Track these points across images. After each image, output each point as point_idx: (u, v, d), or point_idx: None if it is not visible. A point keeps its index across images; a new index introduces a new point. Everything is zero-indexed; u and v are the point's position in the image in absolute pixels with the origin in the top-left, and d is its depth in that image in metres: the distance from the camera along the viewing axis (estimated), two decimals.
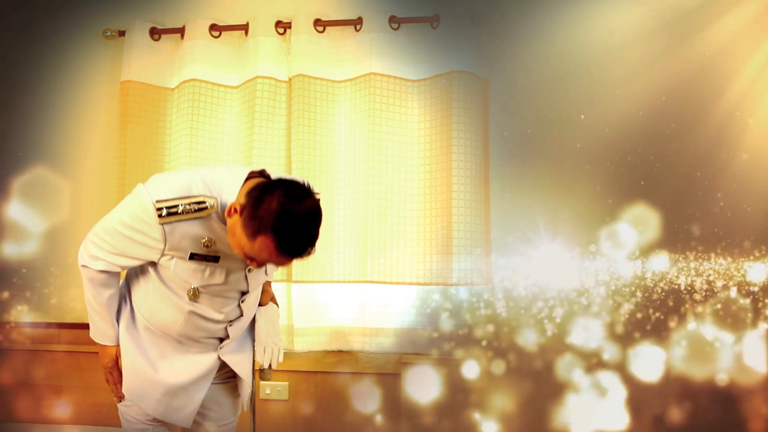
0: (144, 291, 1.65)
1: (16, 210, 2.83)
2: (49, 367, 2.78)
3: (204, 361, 1.68)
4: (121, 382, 1.69)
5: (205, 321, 1.64)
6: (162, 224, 1.44)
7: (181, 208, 1.42)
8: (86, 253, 1.60)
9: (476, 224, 2.56)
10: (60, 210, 2.85)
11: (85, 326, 2.72)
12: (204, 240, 1.49)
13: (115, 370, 1.69)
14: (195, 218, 1.44)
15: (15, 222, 2.83)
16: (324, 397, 2.66)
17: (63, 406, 2.76)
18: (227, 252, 1.53)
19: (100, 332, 1.67)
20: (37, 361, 2.78)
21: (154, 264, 1.58)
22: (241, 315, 1.69)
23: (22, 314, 2.83)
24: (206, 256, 1.51)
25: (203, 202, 1.44)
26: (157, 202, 1.43)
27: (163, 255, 1.51)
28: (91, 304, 1.64)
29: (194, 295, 1.58)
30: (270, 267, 1.74)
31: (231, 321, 1.68)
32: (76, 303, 2.81)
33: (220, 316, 1.64)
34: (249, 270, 1.62)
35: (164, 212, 1.42)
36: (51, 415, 2.76)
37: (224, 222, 1.46)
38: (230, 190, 1.45)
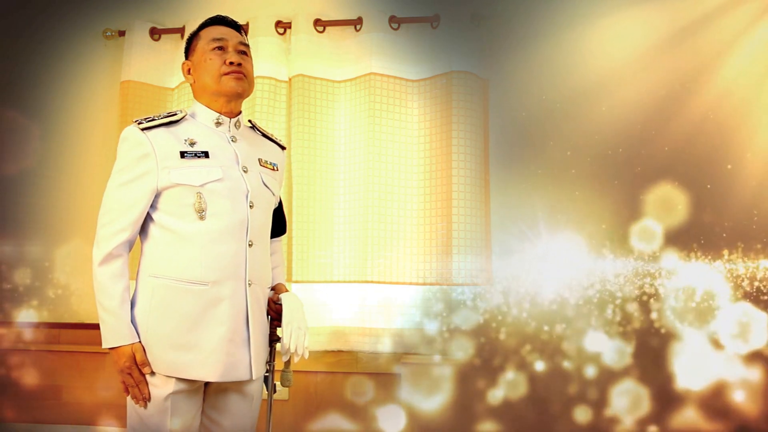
0: (154, 252, 1.65)
1: (18, 209, 2.84)
2: (49, 367, 2.78)
3: (235, 306, 1.65)
4: (143, 381, 1.63)
5: (221, 241, 1.63)
6: (143, 130, 1.63)
7: (155, 117, 1.68)
8: (97, 245, 1.62)
9: (476, 224, 2.56)
10: (61, 209, 2.85)
11: (86, 326, 2.76)
12: (186, 139, 1.67)
13: (134, 369, 1.62)
14: (170, 122, 1.68)
15: (16, 222, 2.84)
16: (324, 397, 2.66)
17: (63, 406, 2.76)
18: (213, 147, 1.69)
19: (116, 334, 1.62)
20: (37, 361, 2.78)
21: (155, 208, 1.64)
22: (250, 224, 1.68)
23: (23, 314, 2.83)
24: (196, 153, 1.66)
25: (173, 112, 1.72)
26: (135, 120, 1.67)
27: (159, 171, 1.61)
28: (105, 306, 1.61)
29: (200, 206, 1.62)
30: (267, 178, 1.77)
31: (247, 234, 1.66)
32: (76, 303, 2.82)
33: (231, 220, 1.64)
34: (245, 170, 1.71)
35: (143, 122, 1.65)
36: (51, 415, 2.76)
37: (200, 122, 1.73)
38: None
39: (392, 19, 2.68)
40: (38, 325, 2.81)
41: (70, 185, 2.87)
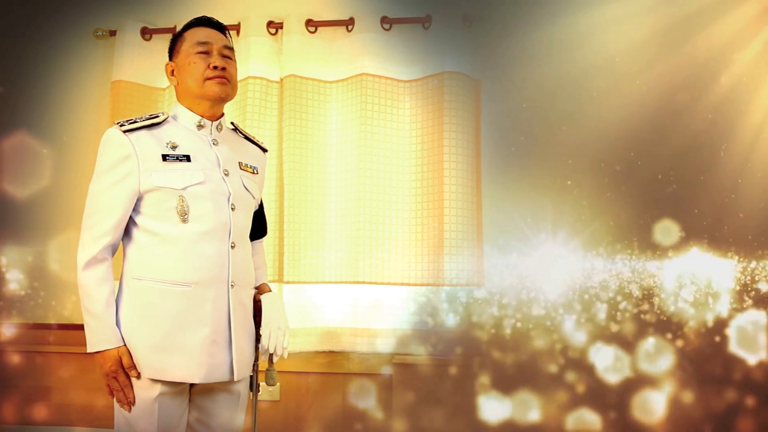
0: (137, 256, 1.65)
1: (10, 208, 2.82)
2: (47, 368, 2.76)
3: (217, 308, 1.66)
4: (129, 385, 1.63)
5: (204, 241, 1.64)
6: (125, 132, 1.64)
7: (137, 119, 1.69)
8: (82, 249, 1.63)
9: (468, 224, 2.56)
10: (54, 209, 2.84)
11: (76, 327, 2.75)
12: (168, 142, 1.68)
13: (120, 373, 1.62)
14: (152, 124, 1.69)
15: (12, 221, 2.82)
16: (316, 398, 2.65)
17: (59, 407, 2.75)
18: (195, 151, 1.70)
19: (101, 338, 1.62)
20: (35, 361, 2.77)
21: (137, 212, 1.65)
22: (232, 226, 1.70)
23: (20, 314, 2.82)
24: (178, 156, 1.67)
25: (155, 114, 1.73)
26: (116, 122, 1.68)
27: (141, 173, 1.62)
28: (90, 310, 1.61)
29: (183, 209, 1.63)
30: (248, 182, 1.78)
31: (229, 236, 1.68)
32: (67, 304, 2.81)
33: (213, 222, 1.65)
34: (226, 173, 1.72)
35: (125, 124, 1.66)
36: (48, 416, 2.75)
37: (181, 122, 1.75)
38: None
39: (384, 20, 2.68)
40: (36, 326, 2.80)
41: (62, 185, 2.85)
